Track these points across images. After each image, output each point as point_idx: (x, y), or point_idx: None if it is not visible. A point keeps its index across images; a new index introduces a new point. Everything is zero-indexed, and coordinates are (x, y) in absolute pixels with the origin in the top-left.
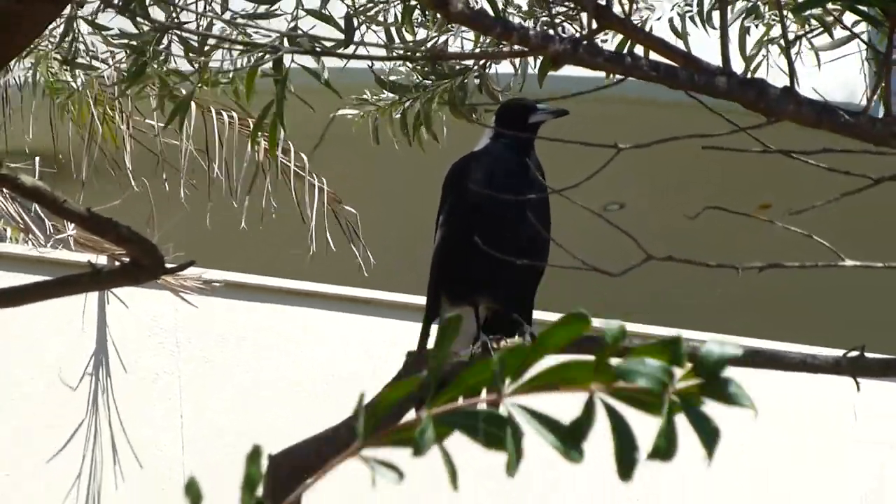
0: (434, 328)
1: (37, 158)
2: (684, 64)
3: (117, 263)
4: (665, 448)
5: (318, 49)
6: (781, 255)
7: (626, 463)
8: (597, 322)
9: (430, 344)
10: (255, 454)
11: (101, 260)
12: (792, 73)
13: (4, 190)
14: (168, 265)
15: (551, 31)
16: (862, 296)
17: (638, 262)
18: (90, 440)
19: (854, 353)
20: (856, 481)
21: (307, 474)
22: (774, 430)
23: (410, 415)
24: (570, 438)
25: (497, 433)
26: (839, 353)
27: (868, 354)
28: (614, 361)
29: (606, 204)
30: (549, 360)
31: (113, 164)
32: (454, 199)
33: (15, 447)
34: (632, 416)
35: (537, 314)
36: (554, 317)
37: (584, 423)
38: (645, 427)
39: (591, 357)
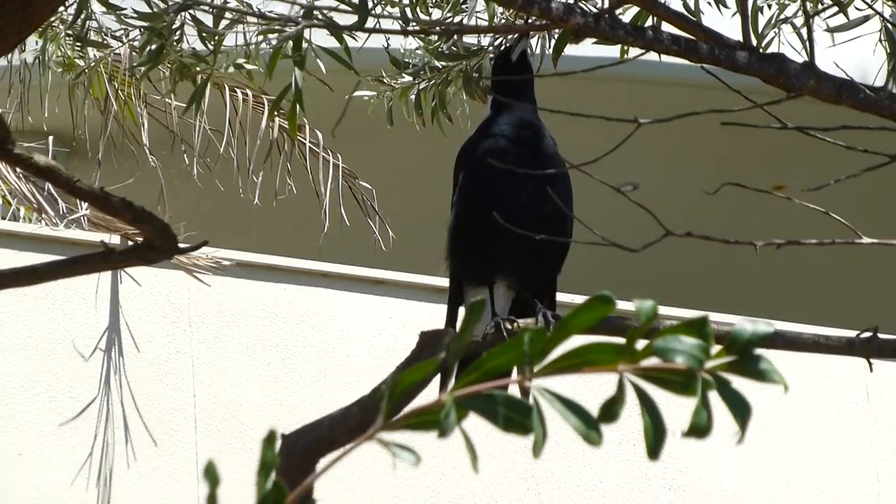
0: (461, 311)
1: (51, 138)
2: (703, 38)
3: (130, 243)
4: (703, 424)
5: (335, 27)
6: (798, 233)
7: (656, 442)
8: (620, 304)
9: (456, 327)
10: (270, 438)
11: (115, 239)
12: (811, 49)
13: (18, 169)
14: (181, 245)
15: (572, 3)
16: (879, 275)
17: (657, 238)
18: (102, 419)
19: (867, 334)
20: (869, 462)
21: (320, 454)
22: (787, 409)
23: (420, 398)
24: (597, 420)
25: (516, 417)
26: (853, 333)
27: (882, 335)
28: (645, 341)
29: (621, 184)
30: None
31: (130, 141)
32: (465, 178)
33: (26, 426)
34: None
35: (561, 296)
36: (568, 297)
37: (616, 404)
38: (666, 406)
39: (613, 339)
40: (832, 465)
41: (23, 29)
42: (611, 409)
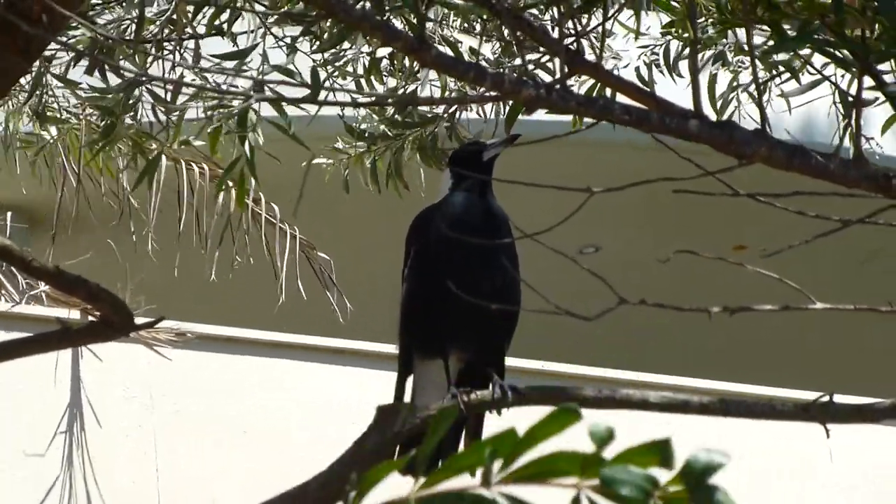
0: (409, 383)
1: (9, 213)
2: (655, 108)
3: (91, 319)
4: None
5: (285, 100)
6: (757, 295)
7: None
8: (575, 368)
9: (406, 397)
10: None
11: (75, 315)
12: (763, 115)
13: None
14: (139, 321)
15: (524, 77)
16: (832, 337)
17: (612, 305)
18: (65, 497)
19: (824, 399)
20: None
21: None
22: (753, 476)
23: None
24: None
25: None
26: (808, 395)
27: (838, 400)
28: (600, 461)
29: (582, 247)
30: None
31: (86, 217)
32: (417, 251)
33: None
34: None
35: (513, 361)
36: (527, 363)
37: None
38: None
39: (579, 451)
40: None
41: None
42: None
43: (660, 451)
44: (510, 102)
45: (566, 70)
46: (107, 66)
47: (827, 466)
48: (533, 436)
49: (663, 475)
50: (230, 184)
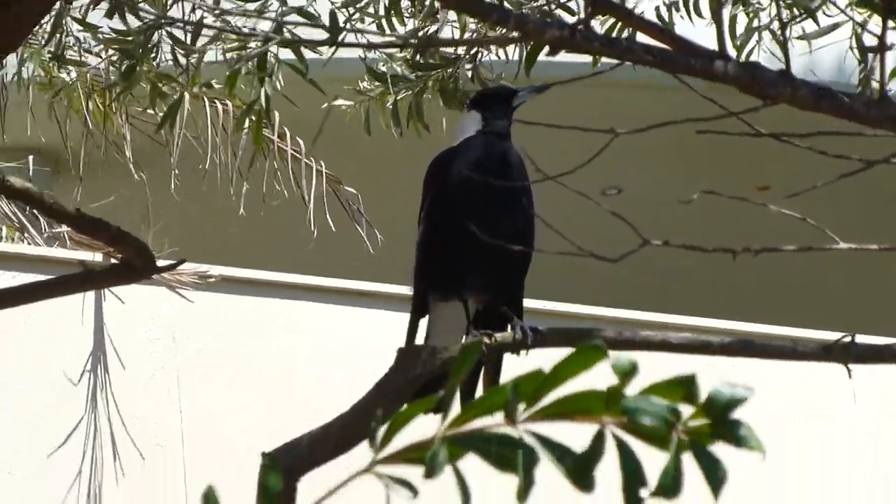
0: (423, 323)
1: (31, 157)
2: (679, 48)
3: (113, 261)
4: (670, 486)
5: (304, 42)
6: (781, 236)
7: (632, 497)
8: (595, 310)
9: (419, 340)
10: (271, 463)
11: (98, 257)
12: (787, 56)
13: None
14: (160, 263)
15: (546, 18)
16: (856, 277)
17: (635, 247)
18: (90, 438)
19: (845, 340)
20: (857, 464)
21: (300, 473)
22: (778, 418)
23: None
24: (579, 468)
25: (510, 457)
26: (831, 335)
27: (860, 340)
28: (625, 395)
29: (605, 189)
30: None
31: (112, 156)
32: (435, 193)
33: (16, 446)
34: (644, 448)
35: (533, 303)
36: (548, 305)
37: (592, 456)
38: (657, 460)
39: (603, 389)
40: (821, 468)
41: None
42: (587, 463)
43: (685, 385)
44: (530, 43)
45: (589, 10)
46: (126, 9)
47: (850, 408)
48: (558, 374)
49: (687, 411)
50: (249, 124)
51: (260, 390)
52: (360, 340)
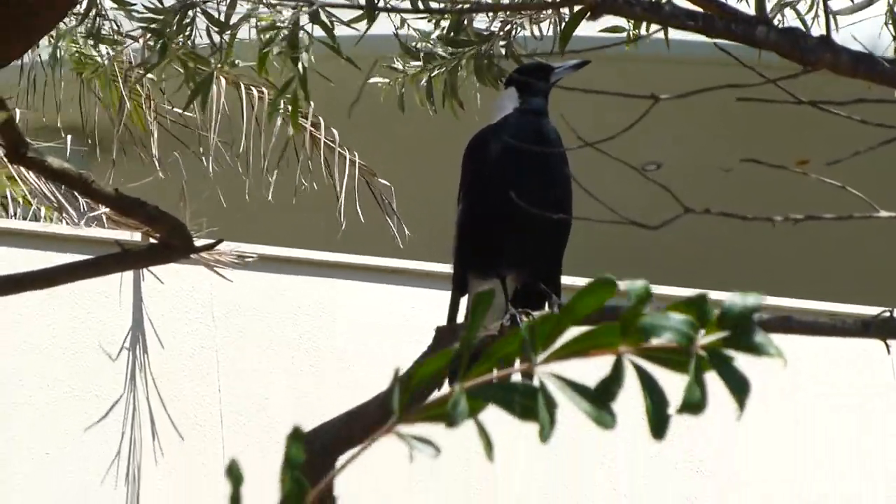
0: (463, 302)
1: (69, 137)
2: (720, 14)
3: (152, 240)
4: (695, 400)
5: (331, 25)
6: (821, 206)
7: (658, 420)
8: (625, 284)
9: (460, 318)
10: (295, 435)
11: (136, 237)
12: (828, 22)
13: None
14: (198, 243)
15: None
16: (890, 259)
17: (674, 215)
18: (129, 417)
19: (885, 315)
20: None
21: (338, 451)
22: (811, 383)
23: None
24: (601, 402)
25: (531, 405)
26: (870, 310)
27: None
28: (639, 320)
29: (644, 164)
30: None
31: (141, 143)
32: (474, 172)
33: (54, 427)
34: (662, 376)
35: (571, 280)
36: (584, 281)
37: (612, 383)
38: (676, 387)
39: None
40: (861, 439)
41: (29, 37)
42: (608, 389)
43: (696, 305)
44: (566, 19)
45: None
46: None
47: (891, 384)
48: (571, 311)
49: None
50: (283, 106)
51: (299, 369)
52: (402, 318)
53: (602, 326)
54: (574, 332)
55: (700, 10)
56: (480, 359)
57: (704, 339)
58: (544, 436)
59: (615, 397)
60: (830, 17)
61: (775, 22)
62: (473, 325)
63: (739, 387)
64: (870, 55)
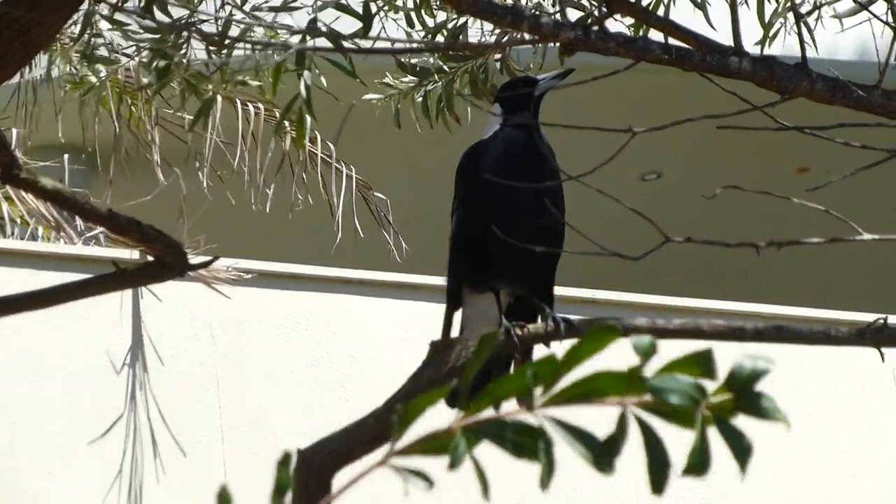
0: (457, 316)
1: (66, 156)
2: (695, 45)
3: (149, 258)
4: (699, 464)
5: (338, 43)
6: (815, 218)
7: (658, 477)
8: (628, 296)
9: (454, 333)
10: (284, 461)
11: (135, 255)
12: (803, 49)
13: None
14: (193, 261)
15: (562, 19)
16: (883, 264)
17: (657, 244)
18: (130, 435)
19: (878, 324)
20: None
21: (336, 468)
22: (812, 394)
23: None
24: (603, 452)
25: (526, 444)
26: (863, 318)
27: (892, 324)
28: (646, 375)
29: (644, 174)
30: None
31: (144, 156)
32: (466, 187)
33: (55, 444)
34: (663, 425)
35: (565, 290)
36: (579, 292)
37: (617, 439)
38: (677, 437)
39: (622, 369)
40: (863, 449)
41: (22, 56)
42: (613, 445)
43: (702, 361)
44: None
45: (604, 10)
46: (156, 6)
47: (892, 388)
48: (573, 356)
49: (709, 388)
50: (287, 125)
51: (299, 384)
52: (399, 333)
53: (605, 373)
54: (577, 373)
55: (675, 42)
56: (479, 395)
57: (713, 396)
58: (544, 481)
59: (620, 451)
60: (808, 41)
61: (774, 28)
62: (473, 367)
63: (742, 450)
64: (845, 83)
